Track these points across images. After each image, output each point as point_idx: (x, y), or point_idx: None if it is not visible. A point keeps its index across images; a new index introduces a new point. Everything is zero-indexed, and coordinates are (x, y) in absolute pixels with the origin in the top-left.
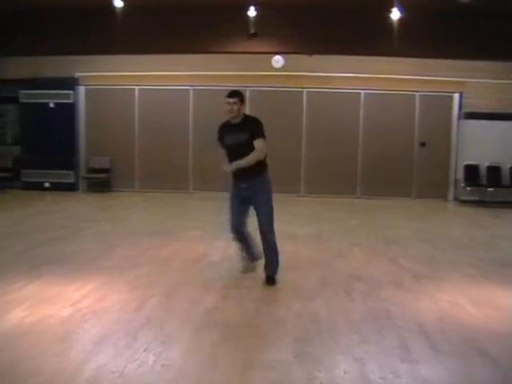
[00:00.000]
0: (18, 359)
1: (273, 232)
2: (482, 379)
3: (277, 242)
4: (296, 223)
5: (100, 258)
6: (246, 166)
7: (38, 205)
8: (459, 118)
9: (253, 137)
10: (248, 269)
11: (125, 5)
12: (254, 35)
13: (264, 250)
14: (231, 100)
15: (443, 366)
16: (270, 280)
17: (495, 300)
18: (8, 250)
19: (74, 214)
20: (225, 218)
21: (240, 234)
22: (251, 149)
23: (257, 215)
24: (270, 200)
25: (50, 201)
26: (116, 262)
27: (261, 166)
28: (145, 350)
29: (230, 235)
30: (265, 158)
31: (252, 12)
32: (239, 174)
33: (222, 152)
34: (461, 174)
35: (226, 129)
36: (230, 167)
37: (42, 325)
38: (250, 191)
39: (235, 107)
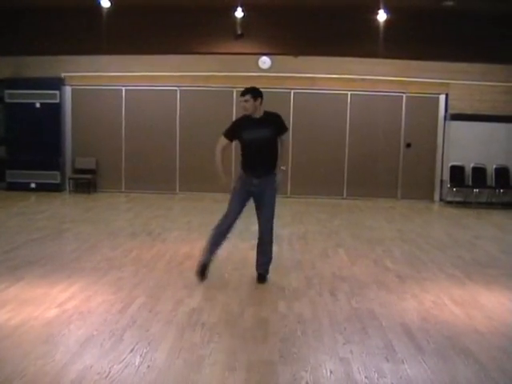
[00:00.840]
0: (2, 361)
1: (272, 231)
2: (465, 378)
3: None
4: (281, 224)
5: (84, 258)
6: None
7: (22, 205)
8: (445, 119)
9: (279, 132)
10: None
11: (112, 5)
12: (241, 36)
13: (261, 248)
14: (242, 98)
15: (427, 365)
16: (262, 278)
17: (478, 300)
18: None
19: (57, 214)
20: (210, 218)
21: (227, 233)
22: (272, 145)
23: (259, 212)
24: (274, 199)
25: (34, 201)
26: (100, 263)
27: (276, 163)
28: (131, 351)
29: (212, 227)
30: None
31: (239, 13)
32: (256, 170)
33: (219, 157)
34: (446, 175)
35: (245, 123)
36: (224, 180)
37: (26, 326)
38: (260, 188)
39: (248, 104)
